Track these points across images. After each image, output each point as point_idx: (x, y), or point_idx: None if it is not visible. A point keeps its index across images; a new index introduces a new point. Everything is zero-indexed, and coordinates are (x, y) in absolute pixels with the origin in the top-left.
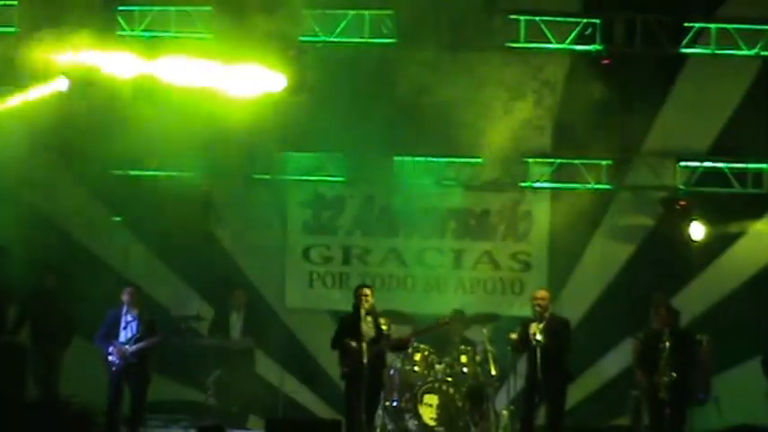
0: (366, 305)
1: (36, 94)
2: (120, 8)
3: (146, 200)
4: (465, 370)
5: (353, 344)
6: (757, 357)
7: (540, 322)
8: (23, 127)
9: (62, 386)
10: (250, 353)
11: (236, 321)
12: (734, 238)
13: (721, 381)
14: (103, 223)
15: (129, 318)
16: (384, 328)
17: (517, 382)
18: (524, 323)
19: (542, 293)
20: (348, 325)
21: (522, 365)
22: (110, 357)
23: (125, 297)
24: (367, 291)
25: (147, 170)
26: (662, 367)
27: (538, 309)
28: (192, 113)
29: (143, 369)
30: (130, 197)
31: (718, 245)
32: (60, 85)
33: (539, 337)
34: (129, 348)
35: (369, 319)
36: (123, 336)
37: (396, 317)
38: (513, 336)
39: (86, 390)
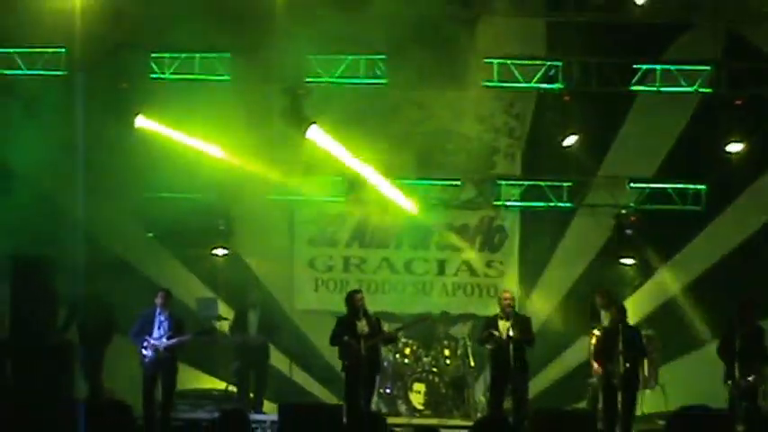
0: (362, 307)
1: None
2: (153, 55)
3: (175, 218)
4: (448, 362)
5: (354, 342)
6: (697, 351)
7: (508, 320)
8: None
9: (104, 379)
10: (266, 347)
11: (253, 320)
12: (676, 249)
13: (667, 370)
14: (139, 238)
15: (162, 318)
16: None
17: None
18: (490, 320)
19: (508, 293)
20: (344, 325)
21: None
22: (144, 351)
23: (158, 300)
24: (360, 295)
25: (177, 193)
26: (616, 358)
27: (508, 308)
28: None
29: (173, 362)
30: (162, 216)
31: (663, 255)
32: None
33: (512, 333)
34: (163, 344)
35: (362, 318)
36: (157, 333)
37: (388, 316)
38: (492, 332)
39: (124, 381)
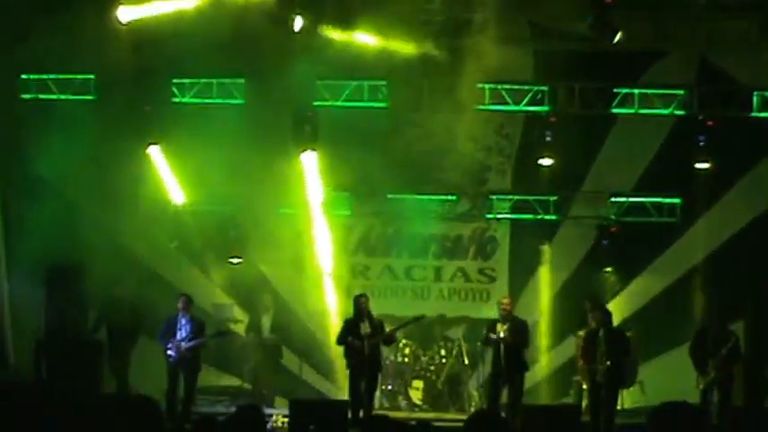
0: (365, 309)
1: None
2: (174, 80)
3: (195, 228)
4: (444, 360)
5: (357, 342)
6: (673, 351)
7: (505, 323)
8: None
9: (130, 375)
10: (278, 347)
11: (266, 322)
12: (653, 257)
13: (646, 368)
14: (163, 247)
15: (184, 321)
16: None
17: (485, 370)
18: (491, 323)
19: (507, 300)
20: (350, 326)
21: (489, 357)
22: (168, 352)
23: (179, 304)
24: (364, 299)
25: (197, 205)
26: (599, 358)
27: (503, 312)
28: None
29: (195, 361)
30: (183, 226)
31: (641, 263)
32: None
33: (502, 335)
34: (185, 345)
35: (366, 320)
36: (179, 335)
37: (389, 319)
38: (492, 334)
39: (149, 377)
